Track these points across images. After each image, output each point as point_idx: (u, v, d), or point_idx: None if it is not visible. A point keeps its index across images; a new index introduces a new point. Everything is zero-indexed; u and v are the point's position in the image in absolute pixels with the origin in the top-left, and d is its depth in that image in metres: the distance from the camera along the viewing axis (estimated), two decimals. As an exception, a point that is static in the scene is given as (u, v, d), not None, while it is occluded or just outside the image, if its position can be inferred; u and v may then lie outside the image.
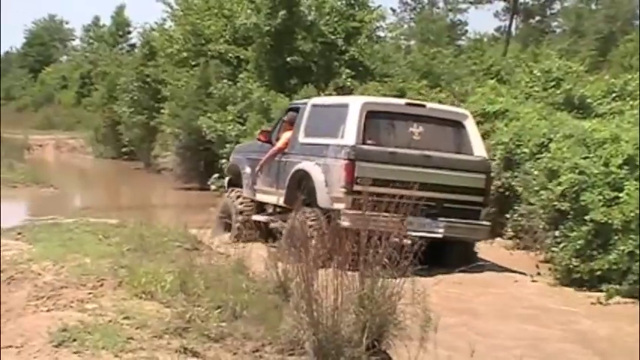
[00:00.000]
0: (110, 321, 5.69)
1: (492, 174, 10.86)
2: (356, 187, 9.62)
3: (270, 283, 6.75)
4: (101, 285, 6.76)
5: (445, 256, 9.49)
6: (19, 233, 9.47)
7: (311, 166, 10.35)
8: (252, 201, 12.09)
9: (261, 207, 12.15)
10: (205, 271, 6.95)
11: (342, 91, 21.51)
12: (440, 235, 9.78)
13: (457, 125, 10.51)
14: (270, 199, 11.60)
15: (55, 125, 50.33)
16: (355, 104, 10.31)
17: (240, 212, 12.03)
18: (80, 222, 10.29)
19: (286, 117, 11.80)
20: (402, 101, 11.08)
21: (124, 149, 34.14)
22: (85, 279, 6.88)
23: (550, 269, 10.08)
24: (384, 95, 20.11)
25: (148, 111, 30.02)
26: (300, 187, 10.50)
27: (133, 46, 50.19)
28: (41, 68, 62.83)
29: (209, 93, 23.34)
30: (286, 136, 11.41)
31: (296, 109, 11.67)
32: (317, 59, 23.08)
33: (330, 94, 20.50)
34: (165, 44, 27.29)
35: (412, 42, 42.25)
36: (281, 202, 11.07)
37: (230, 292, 6.33)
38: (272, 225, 11.39)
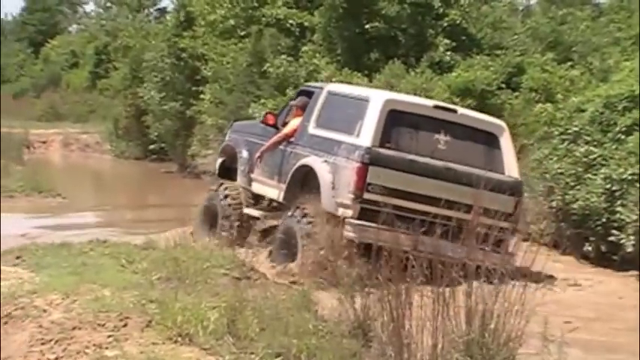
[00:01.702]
0: (137, 372, 5.74)
1: (523, 198, 11.88)
2: (366, 195, 10.87)
3: (345, 323, 6.79)
4: (125, 325, 6.83)
5: None
6: (18, 257, 9.64)
7: (318, 163, 11.55)
8: (247, 192, 13.21)
9: (256, 200, 13.26)
10: (260, 307, 7.03)
11: (440, 67, 21.45)
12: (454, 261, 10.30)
13: (490, 138, 11.68)
14: (269, 192, 12.77)
15: (63, 116, 50.90)
16: (377, 100, 11.47)
17: (229, 206, 13.08)
18: (97, 242, 10.45)
19: (296, 101, 12.89)
20: (430, 103, 12.17)
21: (151, 147, 34.41)
22: (104, 317, 6.96)
23: None
24: (496, 73, 20.17)
25: (183, 96, 30.21)
26: (304, 184, 11.72)
27: (163, 11, 50.74)
28: (44, 41, 63.57)
29: (263, 72, 23.42)
30: (295, 123, 12.56)
31: (309, 94, 12.73)
32: (406, 26, 22.99)
33: (423, 72, 20.60)
34: (205, 9, 27.43)
35: (533, 1, 41.83)
36: (281, 197, 12.24)
37: (293, 334, 6.40)
38: (265, 223, 12.78)
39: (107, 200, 24.94)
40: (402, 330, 5.30)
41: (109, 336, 6.57)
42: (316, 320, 7.09)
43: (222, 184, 13.48)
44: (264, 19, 24.73)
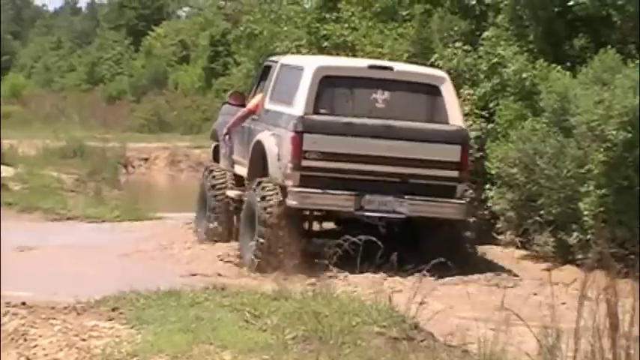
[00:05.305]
0: None
1: (470, 145, 15.22)
2: (304, 163, 14.02)
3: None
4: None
5: (423, 243, 13.90)
6: (115, 309, 9.95)
7: (267, 137, 14.76)
8: (231, 174, 16.18)
9: (239, 182, 16.06)
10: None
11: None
12: (403, 216, 14.16)
13: (431, 90, 14.78)
14: (242, 170, 15.78)
15: (170, 125, 51.18)
16: (309, 68, 14.65)
17: (215, 197, 16.01)
18: (213, 290, 10.74)
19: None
20: (365, 63, 15.37)
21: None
22: (225, 388, 7.14)
23: None
24: None
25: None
26: (264, 160, 14.67)
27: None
28: (147, 29, 64.12)
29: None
30: (258, 98, 15.83)
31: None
32: (622, 2, 21.97)
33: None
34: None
35: None
36: (246, 174, 15.29)
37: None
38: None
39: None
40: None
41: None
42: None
43: (211, 171, 16.56)
44: (430, -4, 24.87)
